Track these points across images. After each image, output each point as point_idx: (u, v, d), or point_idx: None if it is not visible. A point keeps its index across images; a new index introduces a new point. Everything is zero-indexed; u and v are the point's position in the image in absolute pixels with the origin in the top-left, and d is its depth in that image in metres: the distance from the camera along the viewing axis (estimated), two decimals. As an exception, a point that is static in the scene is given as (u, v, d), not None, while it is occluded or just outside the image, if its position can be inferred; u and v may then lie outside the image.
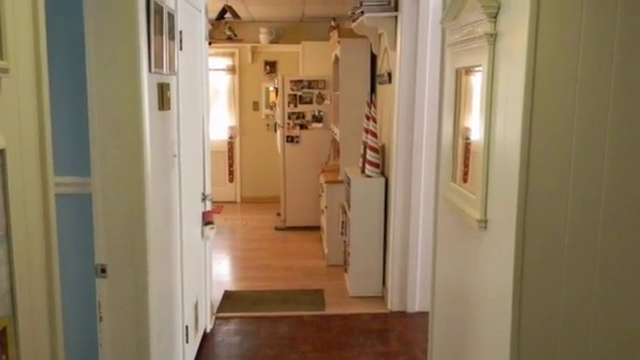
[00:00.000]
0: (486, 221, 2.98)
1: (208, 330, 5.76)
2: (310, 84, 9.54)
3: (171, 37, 3.95)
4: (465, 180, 3.42)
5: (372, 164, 6.50)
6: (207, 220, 5.40)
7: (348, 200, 6.77)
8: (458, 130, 3.52)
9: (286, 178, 9.72)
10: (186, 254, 4.56)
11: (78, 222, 3.40)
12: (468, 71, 3.37)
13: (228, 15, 7.94)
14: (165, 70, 3.79)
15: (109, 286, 3.33)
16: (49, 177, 2.10)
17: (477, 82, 3.13)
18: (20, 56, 1.92)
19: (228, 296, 6.73)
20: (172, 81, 4.06)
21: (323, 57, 9.75)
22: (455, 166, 3.55)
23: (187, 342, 4.69)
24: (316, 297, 6.69)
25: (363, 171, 6.62)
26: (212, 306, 6.06)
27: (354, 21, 6.63)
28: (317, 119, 9.56)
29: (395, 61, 5.93)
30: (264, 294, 6.83)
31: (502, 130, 2.76)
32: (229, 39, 9.96)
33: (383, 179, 6.51)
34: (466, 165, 3.40)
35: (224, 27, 9.46)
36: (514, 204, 2.56)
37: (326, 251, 8.03)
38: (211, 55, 6.95)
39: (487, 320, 3.04)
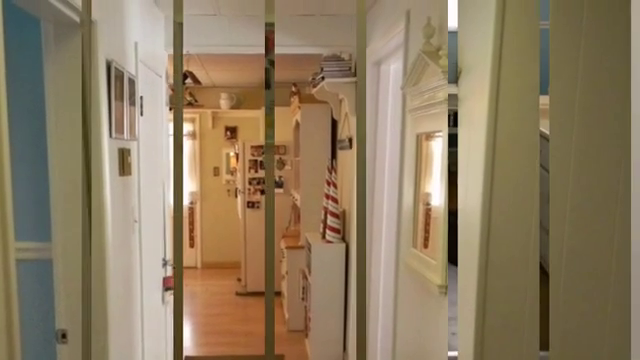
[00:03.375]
0: (447, 287, 2.98)
1: (167, 398, 5.65)
2: (271, 149, 9.53)
3: (132, 102, 3.96)
4: (426, 245, 3.43)
5: (333, 229, 6.49)
6: (167, 286, 5.34)
7: (309, 265, 6.74)
8: (419, 195, 3.55)
9: (247, 243, 9.66)
10: (146, 319, 4.49)
11: (39, 287, 3.35)
12: (429, 136, 3.40)
13: (189, 80, 7.97)
14: (126, 135, 3.79)
15: (70, 352, 3.27)
16: (10, 242, 2.08)
17: (438, 147, 3.17)
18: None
19: (188, 363, 6.62)
20: (133, 146, 4.06)
21: (284, 122, 9.79)
22: (416, 231, 3.57)
23: (146, 411, 4.60)
24: (277, 363, 6.60)
25: (324, 236, 6.61)
26: (171, 373, 5.96)
27: (315, 86, 6.66)
28: (278, 184, 9.54)
29: (356, 126, 5.96)
30: (224, 360, 6.74)
31: (463, 196, 2.78)
32: (190, 104, 9.98)
33: (344, 244, 6.49)
34: (427, 231, 3.42)
35: (184, 92, 9.48)
36: (475, 270, 2.58)
37: (287, 316, 7.96)
38: (172, 120, 6.95)
39: (449, 386, 3.03)
